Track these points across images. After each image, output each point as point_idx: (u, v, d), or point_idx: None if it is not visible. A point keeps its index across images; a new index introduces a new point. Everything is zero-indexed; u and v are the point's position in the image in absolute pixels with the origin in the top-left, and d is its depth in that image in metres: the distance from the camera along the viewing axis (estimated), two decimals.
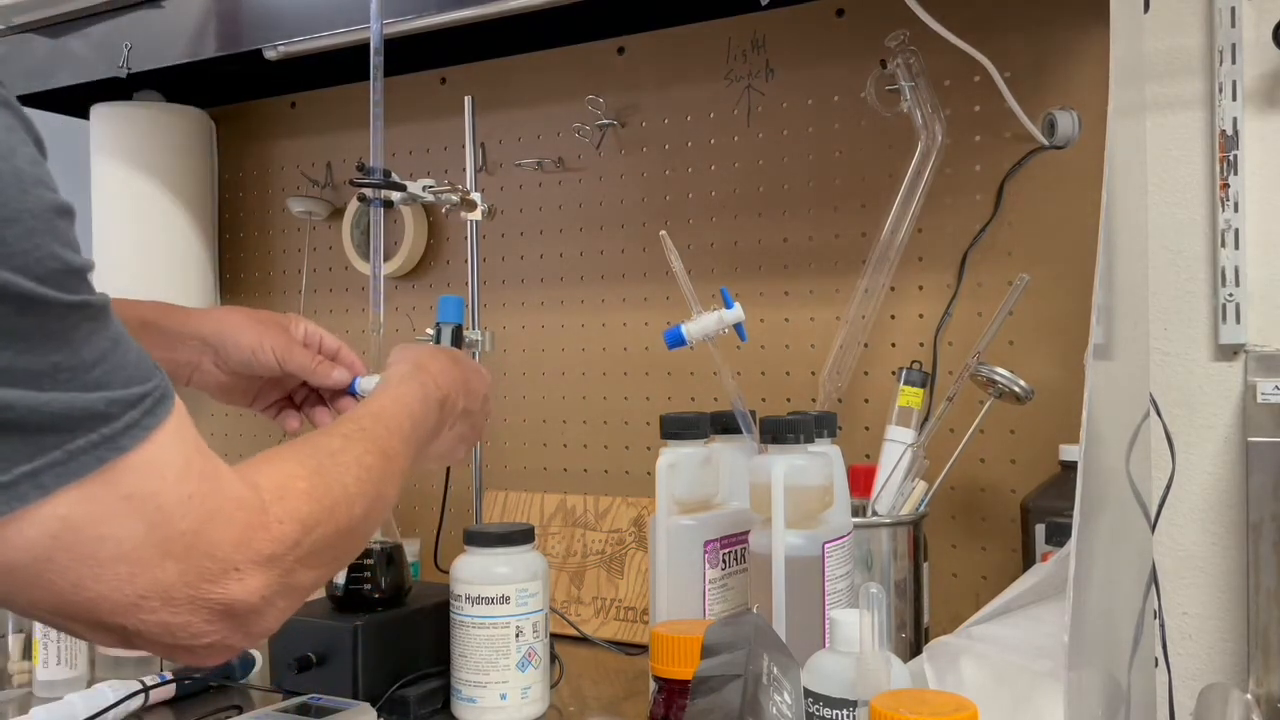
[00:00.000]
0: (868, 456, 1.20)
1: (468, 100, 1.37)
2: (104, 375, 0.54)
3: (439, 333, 1.11)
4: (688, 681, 0.68)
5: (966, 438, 1.11)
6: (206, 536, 0.57)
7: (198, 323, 0.97)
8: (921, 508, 1.10)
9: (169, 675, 1.09)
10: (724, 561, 1.03)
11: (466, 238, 1.36)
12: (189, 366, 0.96)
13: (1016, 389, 1.08)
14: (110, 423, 0.54)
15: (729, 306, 1.02)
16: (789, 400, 1.35)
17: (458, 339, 1.11)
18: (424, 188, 1.21)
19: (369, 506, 0.71)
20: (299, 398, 1.04)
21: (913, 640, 1.08)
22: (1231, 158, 1.19)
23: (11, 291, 0.50)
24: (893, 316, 1.29)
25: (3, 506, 0.51)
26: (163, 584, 0.56)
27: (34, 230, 0.51)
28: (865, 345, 1.24)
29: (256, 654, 1.16)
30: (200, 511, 0.57)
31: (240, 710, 1.04)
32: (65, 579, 0.53)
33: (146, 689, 1.05)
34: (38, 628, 1.13)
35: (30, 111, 0.54)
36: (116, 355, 0.55)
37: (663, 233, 1.07)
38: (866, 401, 1.30)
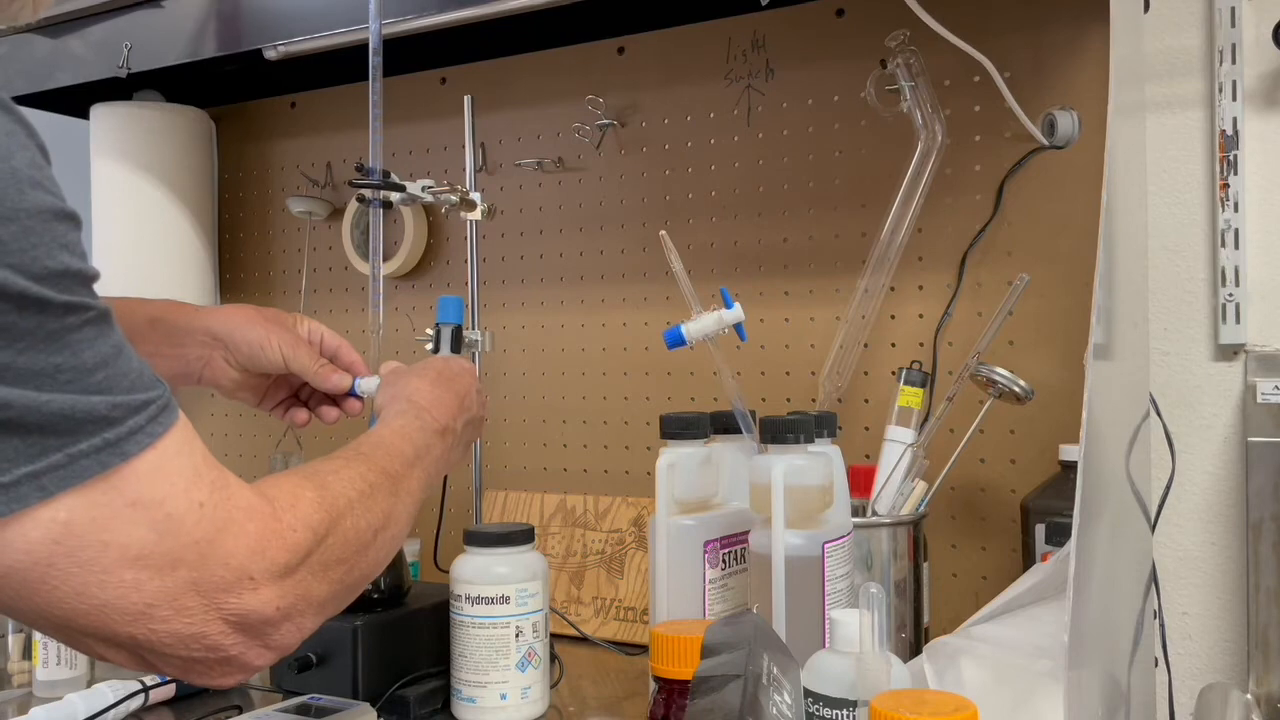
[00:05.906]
0: (868, 456, 1.20)
1: (468, 100, 1.37)
2: (106, 380, 0.54)
3: (439, 333, 1.11)
4: (688, 681, 0.68)
5: (966, 438, 1.11)
6: (220, 545, 0.57)
7: (206, 318, 0.97)
8: (921, 508, 1.10)
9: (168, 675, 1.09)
10: (724, 561, 1.03)
11: (466, 238, 1.36)
12: (200, 361, 0.97)
13: (1016, 389, 1.08)
14: (113, 427, 0.54)
15: (729, 306, 1.02)
16: (789, 400, 1.35)
17: (457, 339, 1.11)
18: (423, 188, 1.21)
19: (376, 521, 0.71)
20: (305, 395, 1.04)
21: (913, 640, 1.08)
22: (1231, 158, 1.19)
23: (9, 289, 0.50)
24: (893, 316, 1.29)
25: (2, 508, 0.51)
26: (174, 592, 0.56)
27: (30, 230, 0.51)
28: (865, 345, 1.24)
29: None
30: (213, 520, 0.57)
31: (240, 710, 1.04)
32: (68, 585, 0.53)
33: (146, 689, 1.05)
34: None
35: (30, 112, 0.55)
36: (119, 363, 0.55)
37: (663, 233, 1.06)
38: (866, 401, 1.30)
